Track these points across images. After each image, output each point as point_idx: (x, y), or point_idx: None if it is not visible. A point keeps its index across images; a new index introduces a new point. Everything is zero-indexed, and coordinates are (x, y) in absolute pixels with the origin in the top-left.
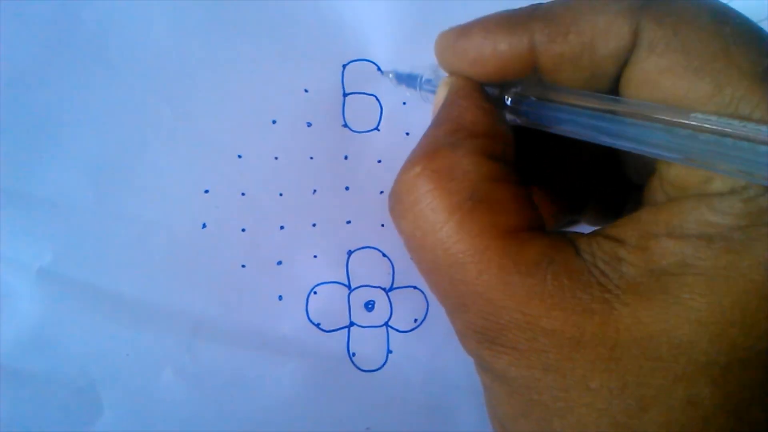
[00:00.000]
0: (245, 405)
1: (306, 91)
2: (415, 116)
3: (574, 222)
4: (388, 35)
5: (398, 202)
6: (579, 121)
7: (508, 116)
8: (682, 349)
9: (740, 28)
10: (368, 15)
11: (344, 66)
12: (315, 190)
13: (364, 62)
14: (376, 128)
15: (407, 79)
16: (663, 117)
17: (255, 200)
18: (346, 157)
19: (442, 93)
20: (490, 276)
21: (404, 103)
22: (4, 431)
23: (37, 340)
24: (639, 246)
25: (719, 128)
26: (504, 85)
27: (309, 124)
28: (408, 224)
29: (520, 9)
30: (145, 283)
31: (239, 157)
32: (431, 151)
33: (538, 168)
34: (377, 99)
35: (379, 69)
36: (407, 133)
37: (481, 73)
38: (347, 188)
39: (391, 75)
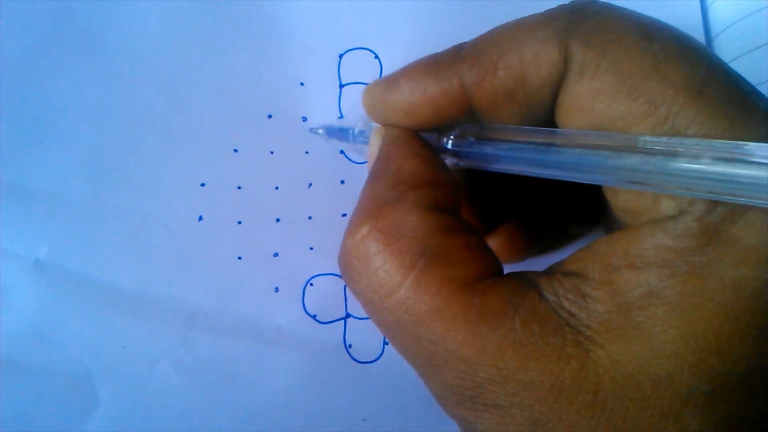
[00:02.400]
0: (241, 397)
1: (302, 84)
2: None
3: (552, 248)
4: (384, 23)
5: (349, 267)
6: (519, 157)
7: (450, 160)
8: (665, 385)
9: (670, 41)
10: (363, 4)
11: (340, 56)
12: (311, 184)
13: (361, 51)
14: None
15: (338, 133)
16: (600, 143)
17: (251, 193)
18: (341, 151)
19: (375, 143)
20: (457, 332)
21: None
22: (0, 423)
23: (33, 332)
24: (603, 280)
25: (657, 148)
26: (441, 130)
27: (304, 118)
28: (363, 289)
29: (445, 52)
30: (142, 275)
31: (235, 150)
32: (375, 209)
33: (503, 204)
34: None
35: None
36: None
37: (415, 123)
38: (343, 182)
39: (321, 131)
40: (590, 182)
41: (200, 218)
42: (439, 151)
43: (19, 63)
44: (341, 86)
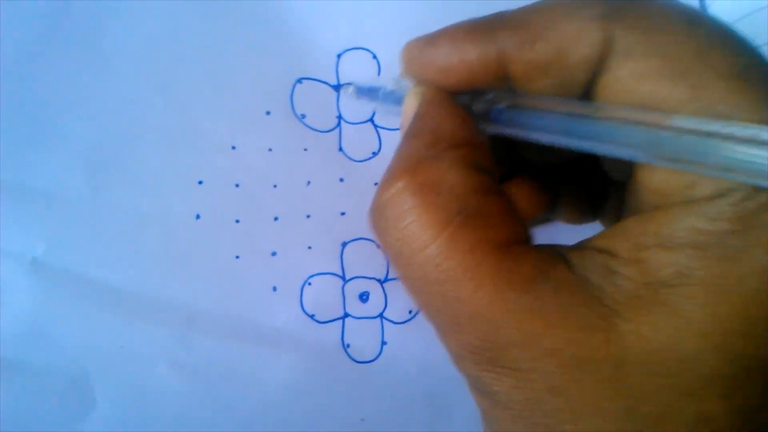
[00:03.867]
0: (239, 396)
1: (300, 82)
2: None
3: (547, 221)
4: (384, 23)
5: (381, 218)
6: (556, 127)
7: (481, 125)
8: (688, 363)
9: (714, 30)
10: (363, 3)
11: (338, 56)
12: (309, 182)
13: (359, 51)
14: (371, 120)
15: (368, 92)
16: (643, 119)
17: (249, 191)
18: (340, 149)
19: (411, 103)
20: (486, 293)
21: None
22: None
23: (30, 332)
24: (632, 258)
25: (701, 128)
26: (474, 94)
27: (303, 116)
28: (394, 241)
29: (488, 16)
30: (139, 274)
31: (233, 148)
32: (413, 164)
33: (508, 169)
34: None
35: (336, 86)
36: None
37: (450, 83)
38: (341, 180)
39: (350, 89)
40: (630, 158)
41: (198, 216)
42: (470, 114)
43: (17, 62)
44: (339, 85)
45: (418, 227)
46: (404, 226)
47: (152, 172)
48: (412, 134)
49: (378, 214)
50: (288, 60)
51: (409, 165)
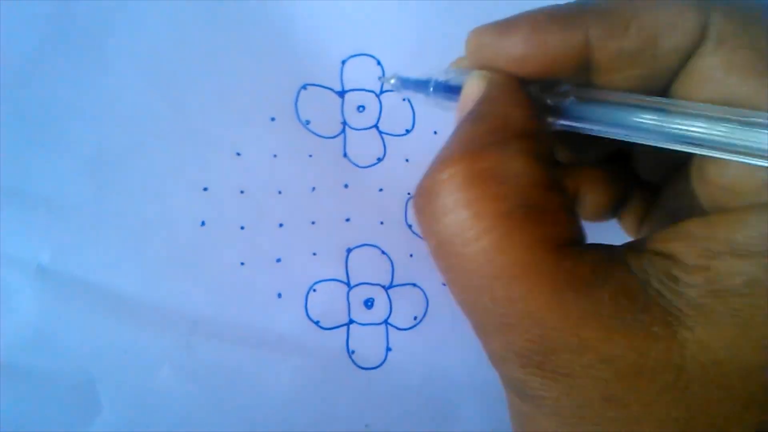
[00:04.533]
0: (244, 402)
1: (304, 88)
2: (416, 114)
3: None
4: (389, 29)
5: (430, 203)
6: (630, 123)
7: (549, 119)
8: (753, 376)
9: None
10: (367, 10)
11: (343, 62)
12: (314, 188)
13: (364, 57)
14: (375, 126)
15: (415, 85)
16: (721, 115)
17: (254, 198)
18: (345, 154)
19: (475, 85)
20: (541, 294)
21: (404, 100)
22: (3, 428)
23: (36, 338)
24: (699, 266)
25: None
26: (544, 84)
27: (308, 122)
28: (443, 229)
29: (572, 3)
30: (144, 280)
31: (238, 154)
32: (474, 150)
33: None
34: (377, 96)
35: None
36: (407, 131)
37: (524, 72)
38: (346, 186)
39: (392, 80)
40: (708, 155)
41: (203, 223)
42: (539, 104)
43: (21, 66)
44: (344, 92)
45: (473, 216)
46: (458, 214)
47: (157, 178)
48: (475, 117)
49: (426, 197)
50: (292, 66)
51: (470, 150)
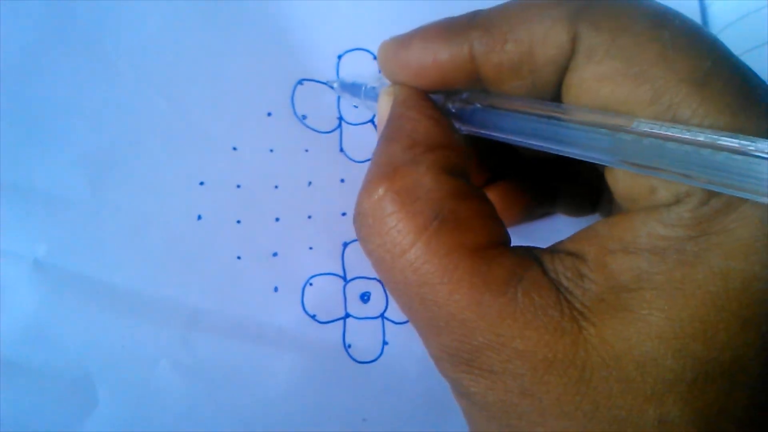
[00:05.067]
0: (241, 397)
1: (301, 83)
2: None
3: (548, 213)
4: (384, 24)
5: (364, 226)
6: (524, 128)
7: (455, 123)
8: (648, 368)
9: (680, 31)
10: (363, 4)
11: (339, 57)
12: (310, 183)
13: (360, 51)
14: (371, 120)
15: (351, 88)
16: (605, 122)
17: (250, 192)
18: (341, 149)
19: (385, 103)
20: (461, 296)
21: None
22: (0, 423)
23: (32, 332)
24: (598, 262)
25: (660, 133)
26: (448, 93)
27: (304, 117)
28: (376, 248)
29: (460, 17)
30: (141, 275)
31: (234, 149)
32: (391, 171)
33: (505, 163)
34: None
35: (326, 82)
36: None
37: (425, 83)
38: (342, 180)
39: (335, 84)
40: (591, 160)
41: (199, 217)
42: (444, 113)
43: (18, 63)
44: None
45: (398, 233)
46: (386, 233)
47: (154, 173)
48: (388, 137)
49: (360, 222)
50: (289, 61)
51: (388, 170)
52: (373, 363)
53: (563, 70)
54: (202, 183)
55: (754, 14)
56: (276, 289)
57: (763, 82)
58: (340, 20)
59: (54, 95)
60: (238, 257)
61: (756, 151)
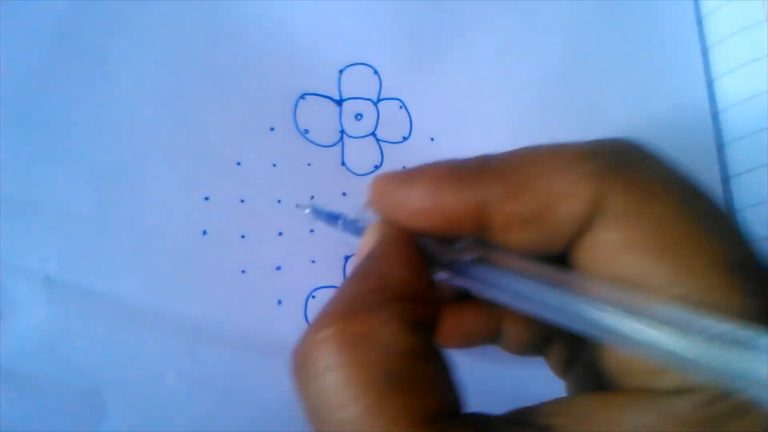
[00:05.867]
0: (246, 407)
1: (303, 97)
2: (413, 121)
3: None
4: (385, 38)
5: (303, 366)
6: (527, 294)
7: (442, 274)
8: None
9: (711, 211)
10: (364, 19)
11: (341, 71)
12: (312, 197)
13: (361, 66)
14: (373, 133)
15: (327, 218)
16: (625, 301)
17: (254, 207)
18: (343, 163)
19: (370, 239)
20: None
21: (401, 107)
22: None
23: (43, 346)
24: None
25: (684, 320)
26: (442, 239)
27: (306, 131)
28: (312, 396)
29: (471, 160)
30: (148, 289)
31: (238, 164)
32: (348, 312)
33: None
34: (374, 104)
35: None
36: (404, 138)
37: (419, 226)
38: (344, 194)
39: (306, 210)
40: (601, 339)
41: (204, 233)
42: (434, 261)
43: (25, 78)
44: (342, 100)
45: (341, 383)
46: (326, 381)
47: (160, 188)
48: (359, 274)
49: (300, 360)
50: (291, 76)
51: (344, 312)
52: None
53: (580, 229)
54: (207, 198)
55: (754, 27)
56: (280, 302)
57: None
58: (341, 35)
59: (61, 112)
60: (243, 271)
61: None
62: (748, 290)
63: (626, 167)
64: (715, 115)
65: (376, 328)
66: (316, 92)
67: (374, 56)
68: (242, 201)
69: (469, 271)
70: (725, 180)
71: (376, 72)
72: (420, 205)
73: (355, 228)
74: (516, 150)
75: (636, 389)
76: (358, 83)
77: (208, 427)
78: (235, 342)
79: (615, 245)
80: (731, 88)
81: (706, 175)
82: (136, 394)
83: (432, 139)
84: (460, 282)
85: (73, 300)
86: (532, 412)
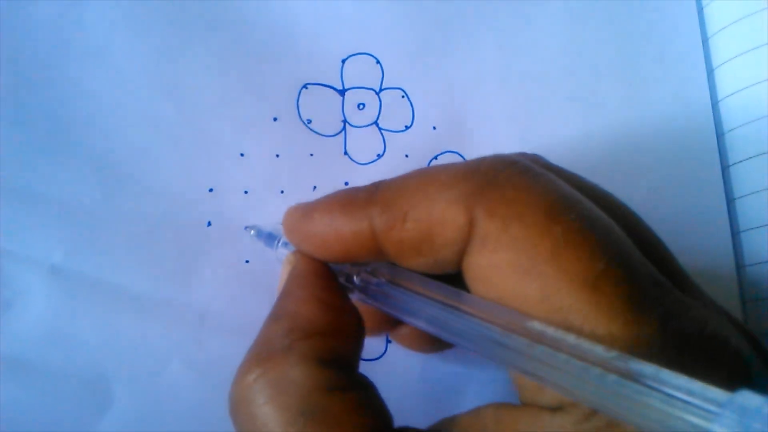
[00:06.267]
0: None
1: (306, 87)
2: (415, 110)
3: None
4: (387, 28)
5: (235, 410)
6: (421, 313)
7: (358, 295)
8: None
9: (575, 225)
10: (367, 9)
11: (343, 61)
12: (315, 187)
13: (363, 56)
14: (375, 122)
15: (266, 238)
16: (500, 320)
17: (258, 198)
18: (345, 152)
19: (284, 272)
20: None
21: (403, 96)
22: (17, 423)
23: (49, 335)
24: None
25: (554, 339)
26: (354, 264)
27: (309, 121)
28: None
29: (362, 189)
30: (154, 278)
31: (242, 155)
32: (266, 356)
33: None
34: (377, 93)
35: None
36: (407, 127)
37: (328, 256)
38: (346, 183)
39: (252, 231)
40: (483, 356)
41: (209, 223)
42: (347, 285)
43: (30, 70)
44: (344, 90)
45: (263, 425)
46: (252, 421)
47: (165, 180)
48: (274, 315)
49: (233, 404)
50: (294, 66)
51: (264, 355)
52: (377, 361)
53: (460, 253)
54: (211, 189)
55: (755, 15)
56: None
57: (658, 279)
58: (343, 25)
59: (65, 103)
60: (247, 261)
61: (643, 377)
62: (607, 304)
63: (492, 189)
64: (715, 104)
65: (287, 370)
66: (319, 82)
67: (376, 46)
68: (246, 192)
69: (379, 294)
70: (725, 168)
71: (378, 62)
72: (321, 236)
73: (289, 250)
74: (407, 174)
75: (528, 403)
76: (360, 73)
77: (213, 415)
78: (239, 330)
79: (486, 269)
80: (731, 76)
81: (706, 164)
82: (141, 383)
83: (434, 128)
84: (372, 303)
85: (79, 289)
86: (449, 423)
